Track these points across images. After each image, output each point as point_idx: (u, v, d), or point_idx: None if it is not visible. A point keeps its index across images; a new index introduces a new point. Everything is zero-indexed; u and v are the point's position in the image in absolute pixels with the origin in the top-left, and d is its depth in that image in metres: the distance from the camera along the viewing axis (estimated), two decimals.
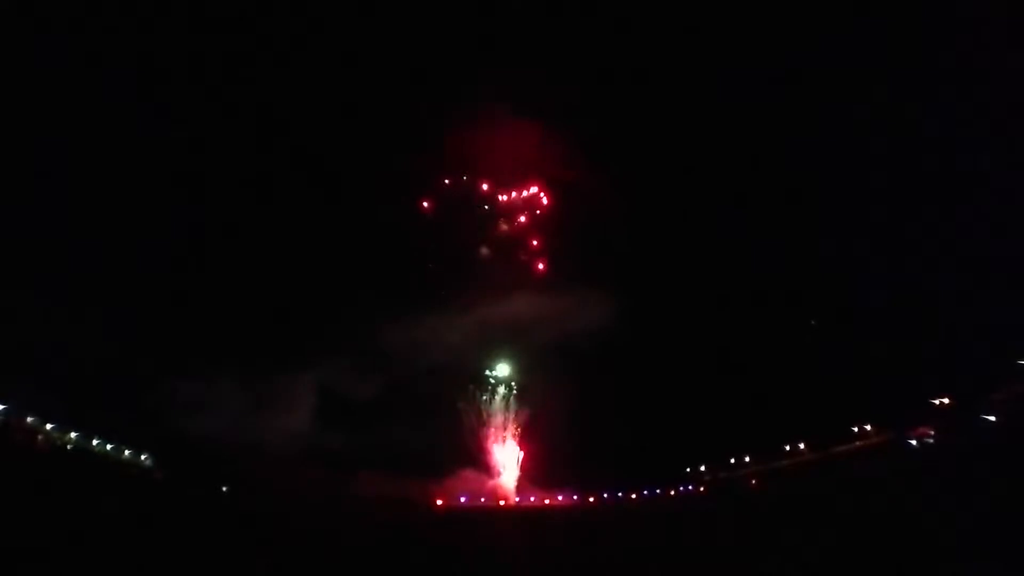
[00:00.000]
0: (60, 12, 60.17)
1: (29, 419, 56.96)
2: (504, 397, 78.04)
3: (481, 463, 75.95)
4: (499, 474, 75.84)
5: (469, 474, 74.48)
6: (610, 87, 75.98)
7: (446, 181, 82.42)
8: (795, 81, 72.05)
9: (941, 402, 63.32)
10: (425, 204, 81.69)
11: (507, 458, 76.33)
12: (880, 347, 68.02)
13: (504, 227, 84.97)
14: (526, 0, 72.61)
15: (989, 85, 63.17)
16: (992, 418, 58.81)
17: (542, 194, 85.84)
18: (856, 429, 67.83)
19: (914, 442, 63.88)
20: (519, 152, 80.00)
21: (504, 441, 76.86)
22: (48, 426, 58.36)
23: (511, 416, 77.59)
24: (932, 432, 62.91)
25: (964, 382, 61.91)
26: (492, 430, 77.17)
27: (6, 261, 57.73)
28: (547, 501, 74.75)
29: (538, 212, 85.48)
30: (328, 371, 72.25)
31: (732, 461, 72.95)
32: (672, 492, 74.19)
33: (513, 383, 78.51)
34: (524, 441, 77.01)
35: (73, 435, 60.01)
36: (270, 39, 69.69)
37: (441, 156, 78.80)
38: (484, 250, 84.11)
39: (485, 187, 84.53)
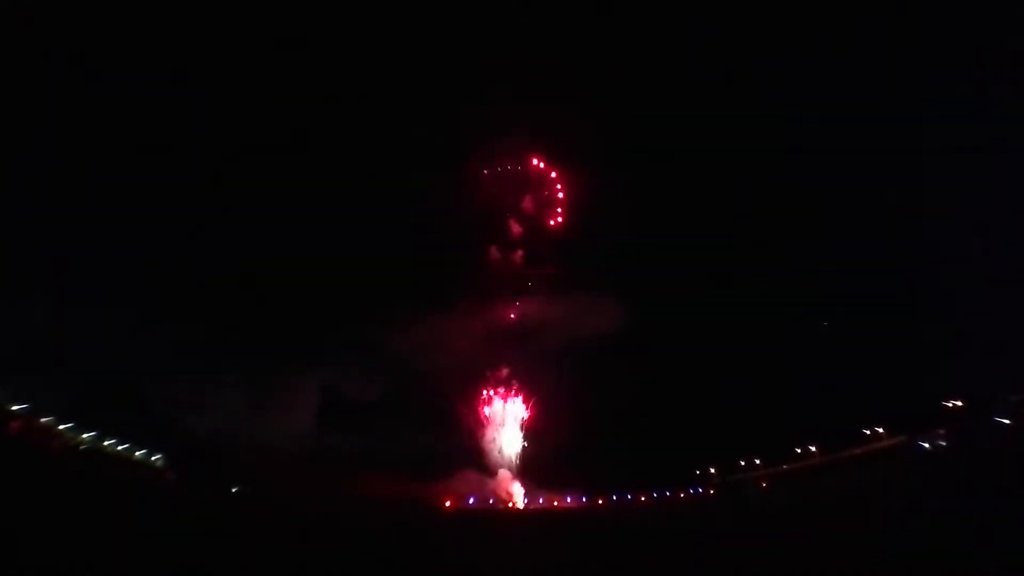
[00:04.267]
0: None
1: (44, 419, 57.61)
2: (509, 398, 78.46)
3: (482, 464, 76.34)
4: (497, 474, 76.06)
5: (470, 475, 74.71)
6: (613, 89, 76.18)
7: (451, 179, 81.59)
8: (806, 83, 71.90)
9: (954, 404, 62.65)
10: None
11: (511, 459, 76.68)
12: (892, 349, 67.45)
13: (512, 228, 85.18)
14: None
15: (1002, 88, 62.84)
16: (1005, 420, 58.10)
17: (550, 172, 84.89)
18: (867, 431, 67.24)
19: (926, 444, 63.23)
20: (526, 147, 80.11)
21: (504, 444, 77.17)
22: (63, 426, 59.07)
23: (516, 417, 77.91)
24: (944, 434, 62.27)
25: (976, 384, 61.25)
26: (495, 431, 77.42)
27: (20, 267, 58.84)
28: (555, 503, 74.74)
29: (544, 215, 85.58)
30: (333, 372, 72.86)
31: (742, 463, 72.58)
32: (681, 494, 73.95)
33: (518, 384, 78.83)
34: (530, 442, 77.30)
35: (87, 435, 60.74)
36: (277, 38, 70.57)
37: (446, 155, 78.89)
38: (493, 251, 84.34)
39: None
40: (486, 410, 78.12)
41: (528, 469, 76.76)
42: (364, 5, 71.22)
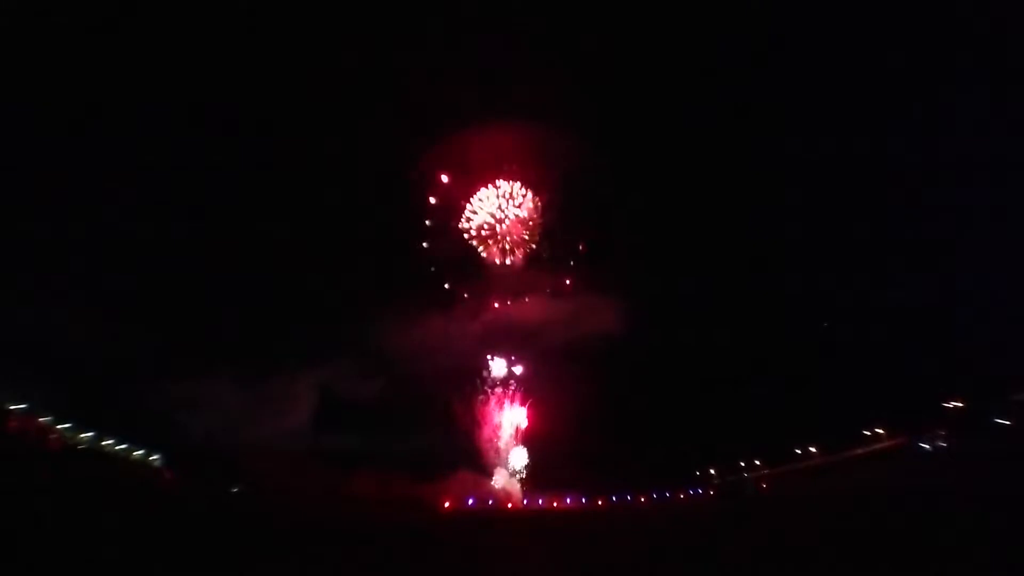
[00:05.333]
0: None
1: (42, 418, 57.54)
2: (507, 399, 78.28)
3: (479, 464, 76.21)
4: (495, 474, 75.91)
5: (468, 475, 74.59)
6: (615, 88, 75.84)
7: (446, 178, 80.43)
8: (810, 81, 71.92)
9: (953, 405, 62.59)
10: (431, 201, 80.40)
11: (510, 459, 76.43)
12: (892, 350, 67.43)
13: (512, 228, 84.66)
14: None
15: (1003, 87, 62.89)
16: (1005, 421, 58.02)
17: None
18: (868, 432, 67.13)
19: (926, 445, 63.14)
20: (525, 150, 79.53)
21: (504, 443, 76.98)
22: (61, 425, 59.00)
23: (514, 418, 77.72)
24: (944, 435, 62.20)
25: (977, 385, 61.19)
26: (493, 431, 77.23)
27: (18, 267, 58.92)
28: (554, 504, 74.53)
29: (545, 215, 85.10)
30: (330, 372, 72.89)
31: (742, 464, 72.43)
32: (681, 495, 73.82)
33: (517, 385, 78.68)
34: (529, 443, 77.11)
35: (85, 434, 60.66)
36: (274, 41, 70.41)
37: (444, 154, 78.42)
38: (491, 250, 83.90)
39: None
40: (484, 410, 77.90)
41: (527, 470, 76.53)
42: (360, 7, 71.13)
